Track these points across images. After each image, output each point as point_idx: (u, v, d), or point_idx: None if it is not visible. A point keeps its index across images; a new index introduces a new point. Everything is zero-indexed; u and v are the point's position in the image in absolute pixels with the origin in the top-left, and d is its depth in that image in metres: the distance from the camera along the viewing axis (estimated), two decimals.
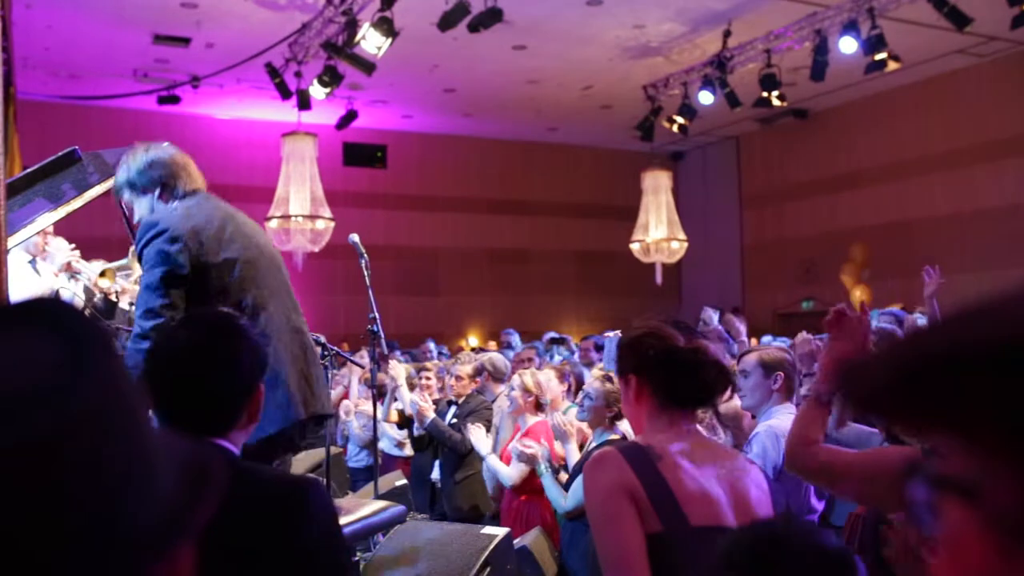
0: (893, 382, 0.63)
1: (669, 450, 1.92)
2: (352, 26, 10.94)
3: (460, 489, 5.71)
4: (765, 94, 12.83)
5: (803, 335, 5.93)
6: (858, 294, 14.93)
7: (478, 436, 5.33)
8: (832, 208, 16.85)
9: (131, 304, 5.31)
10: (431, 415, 5.86)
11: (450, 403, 6.07)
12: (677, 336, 2.01)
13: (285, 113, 13.88)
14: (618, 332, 4.89)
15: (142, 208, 3.47)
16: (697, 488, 1.88)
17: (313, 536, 1.81)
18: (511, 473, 5.02)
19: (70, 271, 4.94)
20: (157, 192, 3.43)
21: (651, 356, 2.01)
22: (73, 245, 5.23)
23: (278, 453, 3.29)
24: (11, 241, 3.25)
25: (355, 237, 5.40)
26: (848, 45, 11.50)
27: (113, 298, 5.13)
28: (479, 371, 6.32)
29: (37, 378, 0.66)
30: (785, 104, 13.71)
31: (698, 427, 2.08)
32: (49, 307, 0.72)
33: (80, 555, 0.65)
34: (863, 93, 15.41)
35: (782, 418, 3.71)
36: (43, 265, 5.06)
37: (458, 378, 6.05)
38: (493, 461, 5.19)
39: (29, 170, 3.79)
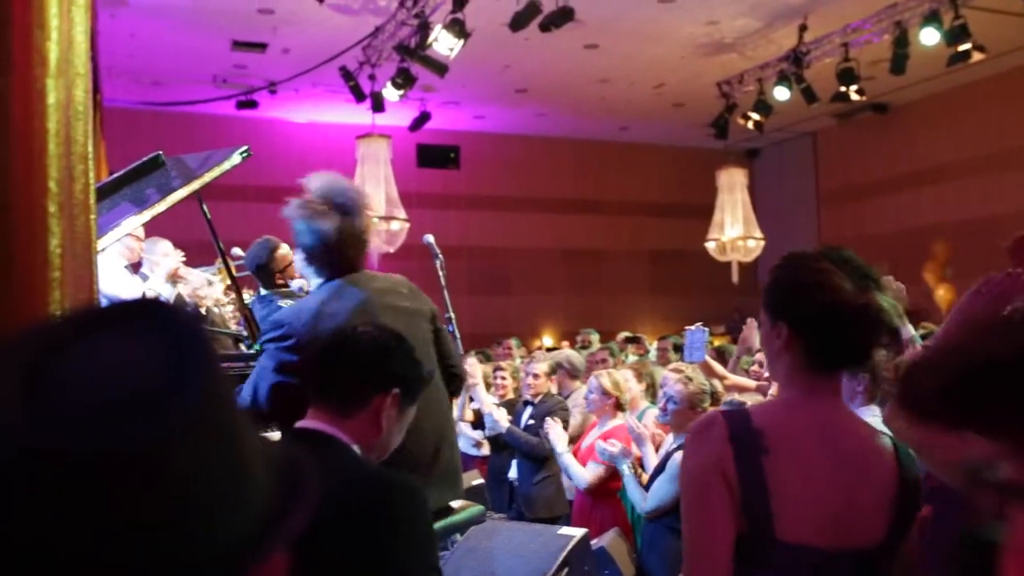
0: (944, 387, 0.61)
1: (788, 434, 1.73)
2: (424, 28, 11.01)
3: (538, 490, 5.68)
4: (843, 88, 12.54)
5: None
6: (941, 292, 14.56)
7: (557, 433, 5.26)
8: (913, 205, 16.43)
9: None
10: (505, 425, 5.83)
11: (526, 403, 6.04)
12: (844, 288, 1.74)
13: (359, 116, 14.02)
14: (700, 324, 4.82)
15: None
16: (800, 494, 1.70)
17: (397, 538, 1.80)
18: (586, 475, 4.97)
19: (175, 278, 4.99)
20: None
21: (809, 313, 1.76)
22: (182, 254, 5.25)
23: None
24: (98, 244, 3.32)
25: (430, 237, 5.42)
26: (929, 37, 11.17)
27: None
28: (555, 369, 6.29)
29: (138, 384, 0.64)
30: (864, 98, 13.38)
31: (842, 393, 1.87)
32: (151, 309, 0.70)
33: (172, 567, 0.64)
34: (945, 86, 14.97)
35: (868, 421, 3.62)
36: (136, 272, 5.17)
37: (535, 377, 6.00)
38: (568, 460, 5.13)
39: (116, 175, 3.88)
